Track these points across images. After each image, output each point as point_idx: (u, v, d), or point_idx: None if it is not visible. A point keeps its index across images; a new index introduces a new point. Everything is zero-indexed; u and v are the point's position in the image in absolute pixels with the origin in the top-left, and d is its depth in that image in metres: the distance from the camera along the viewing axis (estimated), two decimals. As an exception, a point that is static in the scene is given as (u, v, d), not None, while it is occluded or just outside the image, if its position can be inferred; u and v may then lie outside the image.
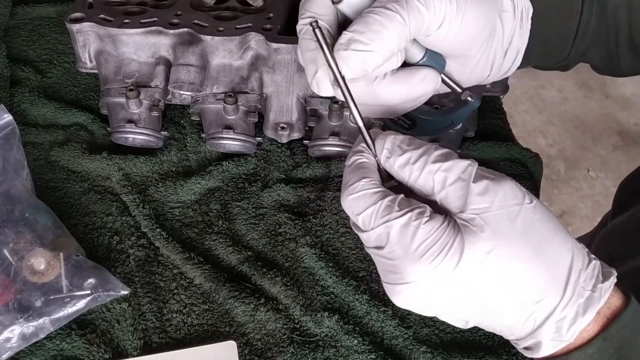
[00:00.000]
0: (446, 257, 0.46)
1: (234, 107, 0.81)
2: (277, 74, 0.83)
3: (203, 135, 0.85)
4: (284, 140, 0.85)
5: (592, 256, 0.48)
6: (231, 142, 0.83)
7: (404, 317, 0.73)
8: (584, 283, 0.47)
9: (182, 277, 0.75)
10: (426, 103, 0.62)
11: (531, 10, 0.61)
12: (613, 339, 0.46)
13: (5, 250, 0.69)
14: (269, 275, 0.74)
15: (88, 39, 0.85)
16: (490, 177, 0.48)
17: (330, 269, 0.75)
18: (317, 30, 0.51)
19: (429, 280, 0.46)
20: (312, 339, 0.71)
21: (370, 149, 0.52)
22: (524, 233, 0.46)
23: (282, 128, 0.83)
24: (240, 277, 0.75)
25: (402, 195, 0.49)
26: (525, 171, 0.87)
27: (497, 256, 0.46)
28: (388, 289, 0.50)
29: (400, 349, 0.71)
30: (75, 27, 0.83)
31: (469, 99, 0.62)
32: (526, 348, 0.50)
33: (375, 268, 0.52)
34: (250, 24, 0.82)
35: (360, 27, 0.51)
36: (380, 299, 0.74)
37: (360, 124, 0.53)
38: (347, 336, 0.70)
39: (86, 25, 0.83)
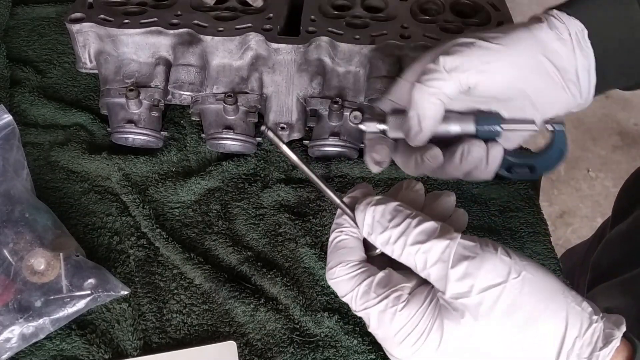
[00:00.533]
0: (426, 341, 0.46)
1: (234, 107, 0.81)
2: (277, 74, 0.83)
3: (203, 135, 0.85)
4: (284, 140, 0.85)
5: (595, 317, 0.47)
6: (231, 142, 0.83)
7: (404, 317, 0.73)
8: (580, 351, 0.45)
9: (182, 277, 0.75)
10: None
11: (586, 32, 0.62)
12: None
13: (5, 251, 0.69)
14: (269, 276, 0.74)
15: (88, 39, 0.85)
16: (470, 257, 0.46)
17: (330, 269, 0.75)
18: (269, 133, 0.53)
19: (415, 357, 0.47)
20: (312, 339, 0.71)
21: (352, 222, 0.53)
22: (508, 312, 0.45)
23: (282, 128, 0.83)
24: (240, 277, 0.75)
25: (380, 275, 0.49)
26: (525, 171, 0.87)
27: (479, 339, 0.46)
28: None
29: (400, 349, 0.71)
30: (75, 27, 0.83)
31: (552, 127, 0.66)
32: None
33: None
34: (250, 24, 0.83)
35: None
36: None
37: (338, 202, 0.53)
38: (347, 336, 0.70)
39: (86, 25, 0.83)
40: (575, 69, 0.63)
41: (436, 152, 0.60)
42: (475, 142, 0.61)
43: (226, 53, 0.82)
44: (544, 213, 0.85)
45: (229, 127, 0.83)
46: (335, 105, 0.80)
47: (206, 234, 0.79)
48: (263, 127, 0.52)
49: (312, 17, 0.85)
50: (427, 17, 0.88)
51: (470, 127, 0.62)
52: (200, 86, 0.82)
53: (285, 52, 0.81)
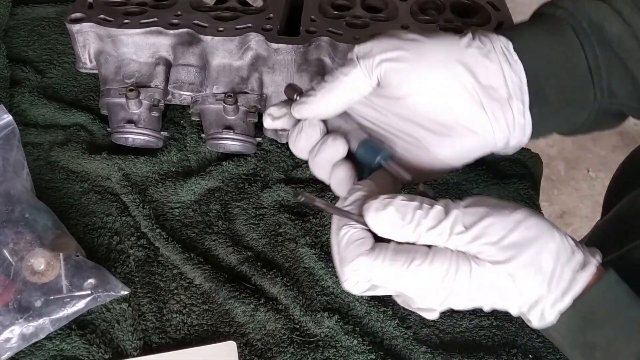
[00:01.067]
0: (459, 272, 0.52)
1: (233, 107, 0.81)
2: (277, 74, 0.83)
3: (203, 135, 0.85)
4: (284, 141, 0.85)
5: (577, 248, 0.53)
6: (231, 143, 0.83)
7: (404, 317, 0.73)
8: (565, 275, 0.53)
9: (182, 278, 0.75)
10: None
11: (510, 45, 0.59)
12: (582, 307, 0.53)
13: (5, 251, 0.69)
14: (269, 276, 0.74)
15: (88, 39, 0.85)
16: (475, 222, 0.52)
17: (330, 269, 0.75)
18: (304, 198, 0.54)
19: (450, 298, 0.53)
20: (312, 339, 0.71)
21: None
22: (517, 250, 0.52)
23: (282, 128, 0.83)
24: (240, 277, 0.75)
25: (393, 245, 0.53)
26: (525, 171, 0.87)
27: (497, 271, 0.52)
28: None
29: (400, 349, 0.71)
30: (75, 27, 0.83)
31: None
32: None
33: None
34: (250, 24, 0.83)
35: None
36: (380, 299, 0.74)
37: (358, 220, 0.54)
38: (347, 336, 0.70)
39: (86, 25, 0.83)
40: (504, 85, 0.58)
41: (314, 123, 0.61)
42: (335, 144, 0.60)
43: (226, 53, 0.82)
44: (544, 213, 0.84)
45: (229, 127, 0.83)
46: None
47: (206, 234, 0.79)
48: (300, 197, 0.53)
49: (312, 17, 0.85)
50: (427, 17, 0.88)
51: (353, 144, 0.61)
52: (200, 86, 0.82)
53: (285, 52, 0.81)
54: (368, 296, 0.73)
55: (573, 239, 0.55)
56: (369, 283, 0.54)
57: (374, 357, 0.69)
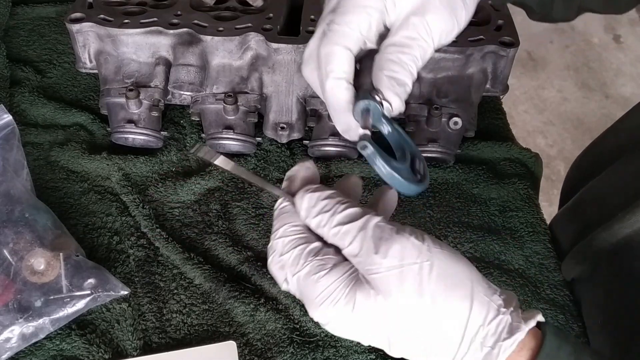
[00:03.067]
0: (340, 307, 0.50)
1: (233, 107, 0.81)
2: (277, 74, 0.83)
3: (203, 135, 0.85)
4: (284, 141, 0.85)
5: (505, 310, 0.49)
6: (231, 142, 0.83)
7: (404, 317, 0.73)
8: (483, 339, 0.48)
9: (182, 277, 0.75)
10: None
11: None
12: None
13: (5, 251, 0.69)
14: (268, 275, 0.74)
15: (88, 39, 0.85)
16: (383, 238, 0.50)
17: (330, 269, 0.75)
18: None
19: (334, 322, 0.51)
20: (312, 339, 0.71)
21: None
22: (415, 293, 0.48)
23: (282, 128, 0.83)
24: (240, 277, 0.75)
25: (314, 244, 0.53)
26: (525, 171, 0.87)
27: (387, 310, 0.49)
28: None
29: (400, 349, 0.70)
30: (75, 27, 0.83)
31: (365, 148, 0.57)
32: None
33: None
34: (250, 24, 0.83)
35: (394, 67, 0.58)
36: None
37: (278, 193, 0.57)
38: (347, 336, 0.70)
39: (86, 25, 0.83)
40: None
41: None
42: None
43: (226, 53, 0.82)
44: (544, 213, 0.85)
45: (229, 127, 0.83)
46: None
47: (206, 234, 0.79)
48: (197, 145, 0.55)
49: (312, 17, 0.85)
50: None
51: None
52: (200, 86, 0.82)
53: (285, 52, 0.81)
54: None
55: (506, 298, 0.50)
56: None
57: (374, 357, 0.69)
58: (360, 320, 0.50)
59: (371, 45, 0.61)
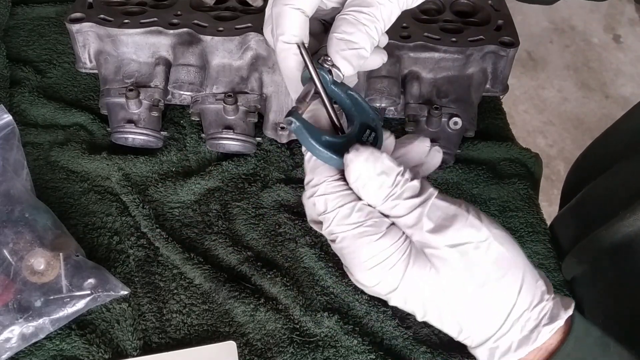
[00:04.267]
0: (392, 273, 0.48)
1: (233, 107, 0.81)
2: (277, 74, 0.83)
3: (203, 135, 0.85)
4: (284, 141, 0.85)
5: (548, 296, 0.49)
6: (231, 142, 0.83)
7: (404, 317, 0.73)
8: (525, 323, 0.49)
9: (182, 277, 0.75)
10: None
11: None
12: None
13: (5, 251, 0.69)
14: (268, 276, 0.74)
15: (88, 39, 0.85)
16: (444, 215, 0.49)
17: (330, 269, 0.75)
18: (302, 50, 0.52)
19: (381, 285, 0.49)
20: (312, 339, 0.71)
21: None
22: (469, 269, 0.48)
23: (282, 128, 0.83)
24: (240, 277, 0.75)
25: (362, 202, 0.50)
26: (525, 171, 0.87)
27: (437, 284, 0.48)
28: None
29: (400, 349, 0.71)
30: (75, 27, 0.83)
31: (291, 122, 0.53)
32: None
33: None
34: (250, 24, 0.82)
35: (348, 28, 0.53)
36: (380, 299, 0.74)
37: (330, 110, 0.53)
38: (346, 336, 0.70)
39: (86, 25, 0.83)
40: None
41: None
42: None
43: (226, 53, 0.82)
44: (544, 213, 0.85)
45: (228, 127, 0.83)
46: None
47: (206, 234, 0.79)
48: (299, 44, 0.51)
49: (312, 17, 0.85)
50: (427, 17, 0.88)
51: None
52: (200, 86, 0.82)
53: (285, 52, 0.81)
54: (368, 296, 0.73)
55: (546, 284, 0.51)
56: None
57: (374, 357, 0.69)
58: (407, 287, 0.49)
59: (334, 3, 0.57)
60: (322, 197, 0.51)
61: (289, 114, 0.52)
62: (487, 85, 0.87)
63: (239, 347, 0.70)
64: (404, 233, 0.49)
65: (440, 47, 0.82)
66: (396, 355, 0.70)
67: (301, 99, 0.53)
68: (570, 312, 0.50)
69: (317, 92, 0.54)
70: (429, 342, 0.71)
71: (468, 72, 0.84)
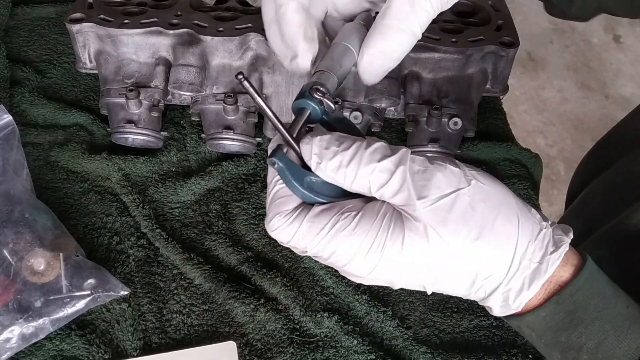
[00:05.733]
0: (387, 250, 0.47)
1: (233, 107, 0.81)
2: (277, 74, 0.83)
3: (203, 135, 0.85)
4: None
5: (545, 223, 0.49)
6: (231, 143, 0.83)
7: (404, 318, 0.73)
8: (532, 255, 0.48)
9: (182, 278, 0.75)
10: None
11: None
12: (566, 302, 0.48)
13: (5, 251, 0.69)
14: (268, 276, 0.74)
15: (88, 40, 0.85)
16: (421, 170, 0.48)
17: (330, 270, 0.75)
18: (245, 83, 0.51)
19: (380, 267, 0.48)
20: (312, 340, 0.71)
21: (296, 153, 0.51)
22: (462, 219, 0.47)
23: (282, 128, 0.83)
24: (240, 277, 0.75)
25: (319, 207, 0.49)
26: (525, 171, 0.87)
27: (438, 244, 0.47)
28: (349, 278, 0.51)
29: (400, 350, 0.71)
30: (75, 27, 0.83)
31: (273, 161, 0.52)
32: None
33: None
34: (250, 25, 0.82)
35: None
36: (380, 299, 0.74)
37: (284, 133, 0.51)
38: (346, 336, 0.70)
39: (86, 25, 0.83)
40: None
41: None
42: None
43: (226, 53, 0.82)
44: (544, 213, 0.84)
45: (228, 127, 0.83)
46: (335, 106, 0.80)
47: (206, 234, 0.79)
48: (240, 76, 0.49)
49: (312, 17, 0.85)
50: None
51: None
52: (200, 86, 0.82)
53: (285, 52, 0.81)
54: (368, 296, 0.73)
55: (539, 212, 0.50)
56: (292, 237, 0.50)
57: (374, 357, 0.69)
58: (408, 258, 0.47)
59: None
60: (279, 229, 0.50)
61: (273, 153, 0.51)
62: (487, 86, 0.87)
63: (239, 347, 0.70)
64: (379, 210, 0.48)
65: (440, 47, 0.82)
66: (396, 356, 0.70)
67: (290, 133, 0.52)
68: (571, 235, 0.49)
69: (285, 140, 0.52)
70: (429, 342, 0.71)
71: (468, 72, 0.84)
